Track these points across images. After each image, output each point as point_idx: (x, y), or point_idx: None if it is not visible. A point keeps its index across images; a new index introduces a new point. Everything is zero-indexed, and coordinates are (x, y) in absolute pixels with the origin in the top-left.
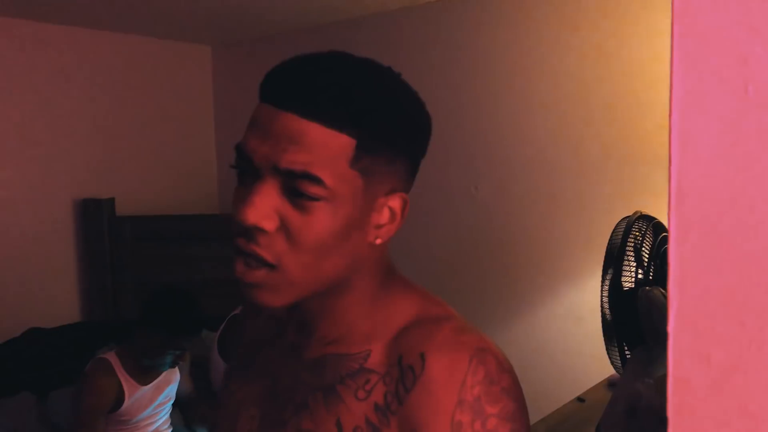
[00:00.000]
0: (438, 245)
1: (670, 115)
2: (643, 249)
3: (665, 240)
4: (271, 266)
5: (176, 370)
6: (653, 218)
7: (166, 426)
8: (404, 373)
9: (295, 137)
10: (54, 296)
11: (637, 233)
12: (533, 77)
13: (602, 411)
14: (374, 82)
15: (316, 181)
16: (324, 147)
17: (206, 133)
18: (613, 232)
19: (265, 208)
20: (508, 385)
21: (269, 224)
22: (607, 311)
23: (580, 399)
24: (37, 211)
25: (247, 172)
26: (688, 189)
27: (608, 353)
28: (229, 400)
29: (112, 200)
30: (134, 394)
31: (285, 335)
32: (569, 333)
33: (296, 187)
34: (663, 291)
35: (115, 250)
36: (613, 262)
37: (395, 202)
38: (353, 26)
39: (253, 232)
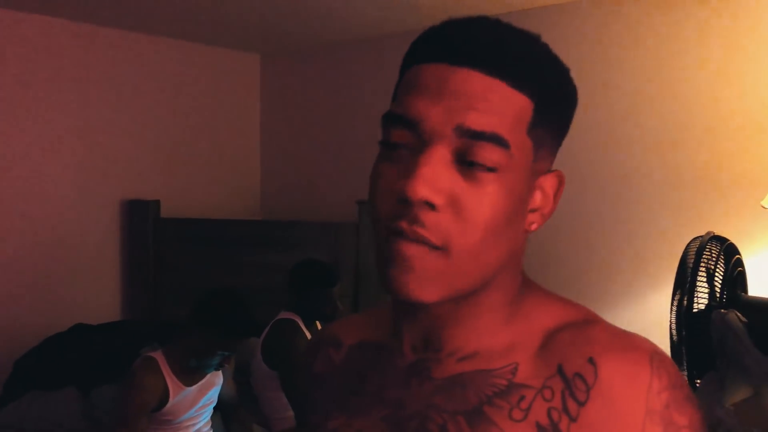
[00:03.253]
0: None
1: None
2: (716, 272)
3: (738, 263)
4: (437, 249)
5: (220, 373)
6: (726, 240)
7: (207, 428)
8: (572, 383)
9: (481, 94)
10: (97, 293)
11: (709, 255)
12: (594, 97)
13: None
14: (544, 48)
15: (503, 145)
16: (508, 108)
17: (252, 139)
18: (684, 253)
19: (435, 179)
20: (690, 391)
21: (439, 198)
22: (675, 333)
23: None
24: (85, 211)
25: (397, 146)
26: None
27: None
28: None
29: (157, 202)
30: (179, 394)
31: (398, 355)
32: None
33: (477, 153)
34: (738, 314)
35: (159, 251)
36: (684, 283)
37: (551, 182)
38: (398, 39)
39: (416, 211)
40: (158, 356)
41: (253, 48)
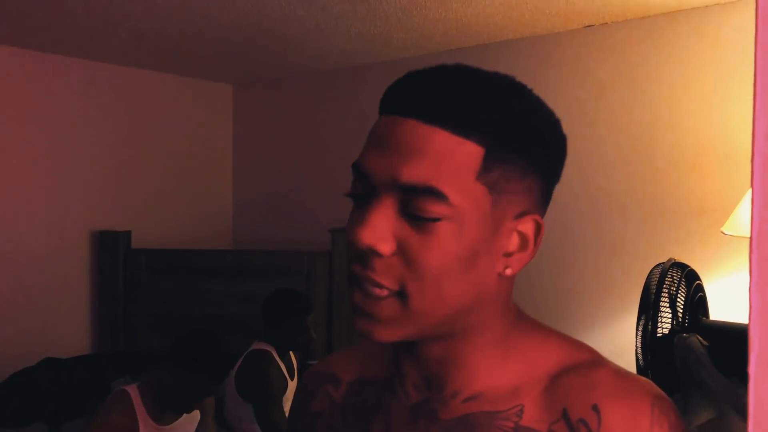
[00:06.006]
0: None
1: (753, 147)
2: (678, 297)
3: (699, 288)
4: (394, 293)
5: (197, 413)
6: (686, 266)
7: None
8: (576, 429)
9: (417, 146)
10: (67, 326)
11: (671, 281)
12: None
13: None
14: (504, 88)
15: (440, 197)
16: (449, 156)
17: (224, 170)
18: (647, 279)
19: (381, 228)
20: None
21: (385, 247)
22: (641, 357)
23: None
24: (55, 242)
25: (363, 194)
26: None
27: None
28: None
29: (128, 233)
30: None
31: (401, 394)
32: None
33: (416, 206)
34: (700, 338)
35: (130, 283)
36: (648, 308)
37: (527, 226)
38: (369, 71)
39: (368, 257)
40: (132, 391)
41: (226, 78)
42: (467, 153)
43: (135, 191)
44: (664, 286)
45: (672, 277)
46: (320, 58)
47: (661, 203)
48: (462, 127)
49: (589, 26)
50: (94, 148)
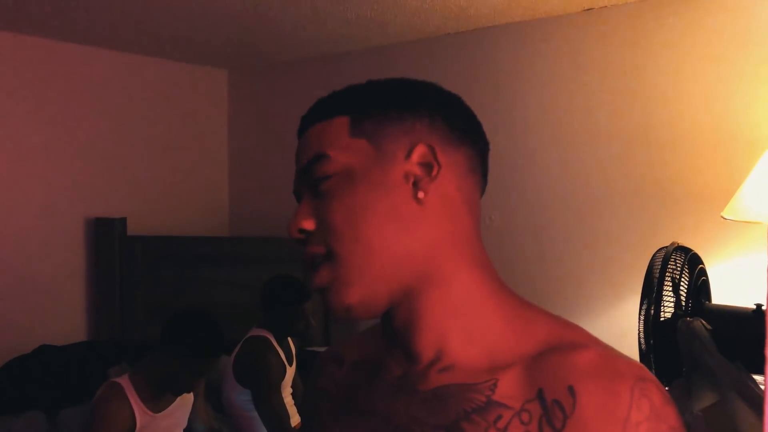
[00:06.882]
0: None
1: None
2: (682, 281)
3: (702, 272)
4: (326, 258)
5: (191, 395)
6: (690, 250)
7: None
8: (550, 410)
9: (305, 144)
10: (62, 313)
11: (674, 265)
12: (556, 111)
13: None
14: (372, 80)
15: (324, 157)
16: (323, 134)
17: (219, 155)
18: (650, 263)
19: (302, 214)
20: (675, 421)
21: (307, 223)
22: (643, 342)
23: None
24: (50, 229)
25: None
26: None
27: None
28: None
29: (123, 220)
30: (146, 422)
31: (386, 369)
32: None
33: (313, 175)
34: (704, 322)
35: (125, 270)
36: (651, 292)
37: (421, 153)
38: (365, 55)
39: (305, 240)
40: (124, 381)
41: (221, 63)
42: (336, 124)
43: (130, 177)
44: (667, 270)
45: (675, 261)
46: (316, 42)
47: (661, 188)
48: (328, 112)
49: (588, 9)
50: (88, 134)
